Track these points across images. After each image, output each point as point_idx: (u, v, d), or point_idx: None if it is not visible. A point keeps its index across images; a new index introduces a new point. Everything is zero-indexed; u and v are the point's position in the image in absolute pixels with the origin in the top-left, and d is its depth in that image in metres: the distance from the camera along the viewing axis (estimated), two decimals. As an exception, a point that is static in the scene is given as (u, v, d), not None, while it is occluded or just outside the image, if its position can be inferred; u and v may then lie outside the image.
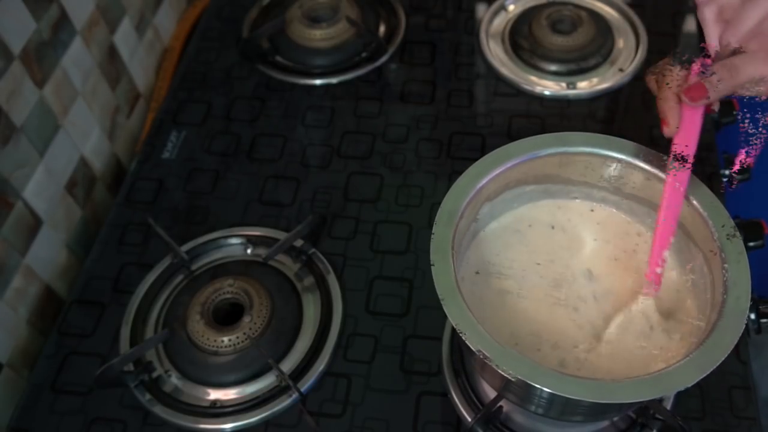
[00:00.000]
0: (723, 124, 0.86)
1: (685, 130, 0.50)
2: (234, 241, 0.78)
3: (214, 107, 0.92)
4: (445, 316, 0.47)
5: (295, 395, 0.66)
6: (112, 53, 0.90)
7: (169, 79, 0.99)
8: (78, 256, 0.84)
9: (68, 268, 0.82)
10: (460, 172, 0.54)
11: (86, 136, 0.85)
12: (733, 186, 0.81)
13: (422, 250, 0.76)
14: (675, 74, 0.50)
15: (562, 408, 0.51)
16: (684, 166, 0.50)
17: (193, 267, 0.76)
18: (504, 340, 0.52)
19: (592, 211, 0.59)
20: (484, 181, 0.54)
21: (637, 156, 0.55)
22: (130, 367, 0.69)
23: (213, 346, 0.68)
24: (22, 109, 0.73)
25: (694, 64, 0.50)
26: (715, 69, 0.48)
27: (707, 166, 0.80)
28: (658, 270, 0.52)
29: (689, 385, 0.43)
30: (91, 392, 0.69)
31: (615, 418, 0.62)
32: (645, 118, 0.86)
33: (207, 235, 0.78)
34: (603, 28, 0.93)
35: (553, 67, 0.91)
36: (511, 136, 0.85)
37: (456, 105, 0.89)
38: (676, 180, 0.51)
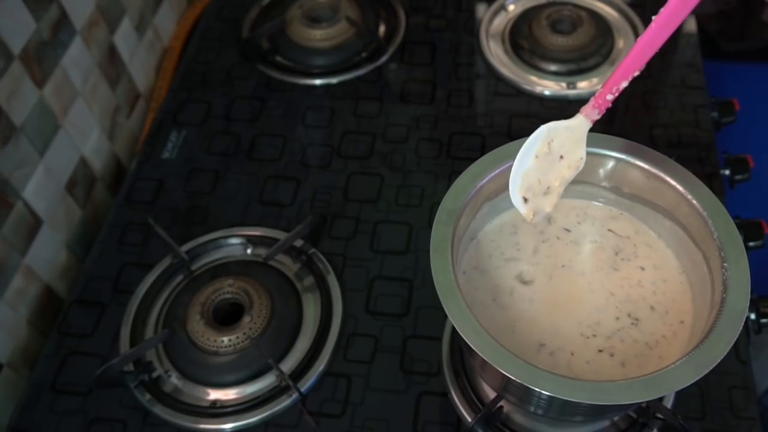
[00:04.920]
0: (723, 124, 0.86)
1: None
2: (234, 241, 0.78)
3: (214, 107, 0.92)
4: (445, 316, 0.47)
5: (295, 395, 0.66)
6: (112, 53, 0.90)
7: (169, 79, 0.99)
8: (78, 256, 0.84)
9: (68, 268, 0.82)
10: (460, 172, 0.54)
11: (86, 136, 0.85)
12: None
13: (422, 250, 0.76)
14: None
15: (561, 408, 0.51)
16: None
17: (193, 267, 0.76)
18: (504, 340, 0.52)
19: (592, 210, 0.59)
20: (483, 181, 0.54)
21: (637, 156, 0.55)
22: (130, 367, 0.69)
23: (213, 346, 0.68)
24: (22, 109, 0.73)
25: None
26: None
27: (707, 166, 0.80)
28: (609, 96, 0.49)
29: (686, 386, 0.43)
30: (91, 392, 0.69)
31: (615, 418, 0.62)
32: (645, 118, 0.86)
33: (207, 235, 0.78)
34: (603, 28, 0.93)
35: (553, 67, 0.91)
36: (511, 136, 0.85)
37: (456, 105, 0.89)
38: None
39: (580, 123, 0.51)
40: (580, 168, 0.52)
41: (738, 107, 0.86)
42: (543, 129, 0.51)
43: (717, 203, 0.51)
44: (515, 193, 0.52)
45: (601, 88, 0.49)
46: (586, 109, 0.50)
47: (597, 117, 0.50)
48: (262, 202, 0.82)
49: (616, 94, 0.49)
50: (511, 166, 0.55)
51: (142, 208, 0.82)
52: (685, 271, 0.55)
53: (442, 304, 0.47)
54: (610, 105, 0.49)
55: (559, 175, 0.53)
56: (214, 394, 0.68)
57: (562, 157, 0.52)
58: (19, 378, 0.74)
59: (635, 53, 0.47)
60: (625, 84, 0.48)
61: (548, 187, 0.53)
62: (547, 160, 0.52)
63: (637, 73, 0.48)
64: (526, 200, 0.53)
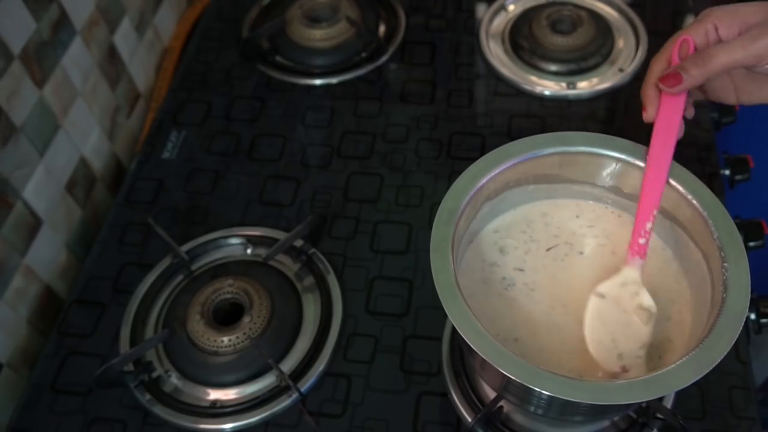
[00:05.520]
0: (723, 124, 0.86)
1: (664, 117, 0.52)
2: (234, 241, 0.78)
3: (214, 107, 0.92)
4: (445, 316, 0.47)
5: (295, 395, 0.66)
6: (112, 53, 0.90)
7: (169, 79, 0.99)
8: (78, 256, 0.84)
9: (68, 268, 0.82)
10: (460, 172, 0.54)
11: (86, 136, 0.85)
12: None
13: (422, 250, 0.76)
14: (659, 64, 0.52)
15: (561, 408, 0.51)
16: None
17: (193, 267, 0.76)
18: (504, 340, 0.52)
19: (592, 210, 0.59)
20: (484, 181, 0.54)
21: (637, 156, 0.55)
22: (130, 367, 0.69)
23: (213, 346, 0.68)
24: (22, 109, 0.73)
25: (673, 54, 0.51)
26: (689, 58, 0.50)
27: (707, 166, 0.80)
28: (641, 241, 0.53)
29: (686, 386, 0.43)
30: (91, 392, 0.69)
31: (615, 418, 0.62)
32: (645, 118, 0.85)
33: (207, 235, 0.78)
34: (603, 28, 0.93)
35: (553, 67, 0.91)
36: (511, 136, 0.85)
37: (456, 105, 0.89)
38: (660, 161, 0.52)
39: (630, 273, 0.53)
40: (654, 311, 0.52)
41: (738, 107, 0.86)
42: (592, 296, 0.53)
43: (717, 203, 0.51)
44: (600, 358, 0.52)
45: (632, 236, 0.53)
46: (627, 259, 0.53)
47: (641, 262, 0.53)
48: (262, 202, 0.82)
49: (647, 236, 0.52)
50: (512, 165, 0.55)
51: (142, 208, 0.82)
52: (684, 271, 0.55)
53: (442, 304, 0.47)
54: (647, 248, 0.53)
55: (638, 332, 0.52)
56: (214, 394, 0.68)
57: (620, 305, 0.53)
58: (19, 378, 0.74)
59: (646, 193, 0.53)
60: (650, 225, 0.52)
61: (629, 338, 0.52)
62: (612, 313, 0.53)
63: (656, 211, 0.52)
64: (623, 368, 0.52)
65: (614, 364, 0.51)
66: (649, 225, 0.52)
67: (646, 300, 0.52)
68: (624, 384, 0.44)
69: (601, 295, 0.53)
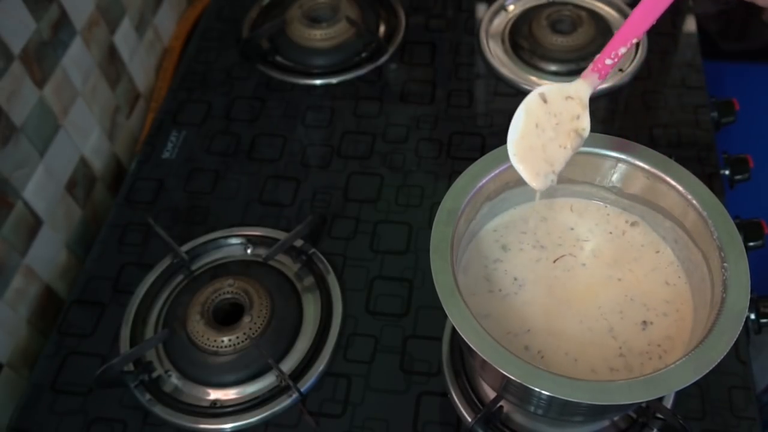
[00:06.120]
0: (723, 124, 0.86)
1: None
2: (234, 241, 0.78)
3: (214, 107, 0.92)
4: (445, 316, 0.47)
5: (295, 395, 0.66)
6: (112, 53, 0.90)
7: (169, 79, 0.99)
8: (78, 256, 0.84)
9: (68, 268, 0.82)
10: (460, 172, 0.54)
11: (86, 136, 0.85)
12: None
13: (422, 250, 0.76)
14: None
15: (561, 408, 0.51)
16: None
17: (193, 267, 0.76)
18: (504, 339, 0.52)
19: (591, 210, 0.59)
20: (483, 181, 0.54)
21: (637, 156, 0.55)
22: (130, 367, 0.69)
23: (213, 346, 0.68)
24: (22, 109, 0.73)
25: None
26: None
27: (707, 166, 0.80)
28: (608, 61, 0.49)
29: (686, 386, 0.43)
30: (91, 392, 0.69)
31: (615, 418, 0.62)
32: (645, 118, 0.86)
33: (207, 235, 0.78)
34: (603, 28, 0.93)
35: (553, 67, 0.91)
36: (511, 136, 0.85)
37: (456, 105, 0.89)
38: None
39: (580, 88, 0.50)
40: (585, 137, 0.51)
41: (738, 107, 0.86)
42: (534, 94, 0.50)
43: (717, 203, 0.51)
44: (513, 159, 0.51)
45: (600, 53, 0.49)
46: (586, 73, 0.50)
47: (598, 82, 0.50)
48: (262, 202, 0.82)
49: (616, 60, 0.49)
50: (512, 166, 0.55)
51: (142, 208, 0.82)
52: (684, 271, 0.55)
53: (442, 304, 0.47)
54: (609, 71, 0.49)
55: (562, 144, 0.51)
56: (214, 394, 0.68)
57: (558, 123, 0.51)
58: (19, 378, 0.74)
59: (634, 19, 0.48)
60: (624, 50, 0.48)
61: (553, 156, 0.51)
62: (547, 126, 0.51)
63: (636, 40, 0.48)
64: (538, 173, 0.51)
65: (545, 177, 0.50)
66: (622, 50, 0.48)
67: (584, 122, 0.50)
68: (624, 384, 0.44)
69: (544, 99, 0.50)
